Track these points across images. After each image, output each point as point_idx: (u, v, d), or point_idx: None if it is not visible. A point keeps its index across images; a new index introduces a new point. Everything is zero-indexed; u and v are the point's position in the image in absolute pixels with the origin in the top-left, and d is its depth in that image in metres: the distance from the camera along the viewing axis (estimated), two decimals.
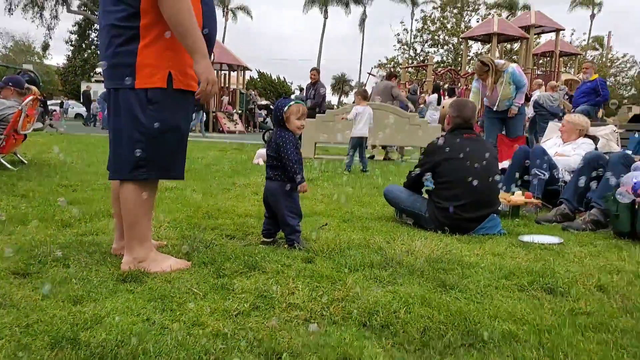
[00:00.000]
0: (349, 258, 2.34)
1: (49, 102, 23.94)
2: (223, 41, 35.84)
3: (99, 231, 2.85)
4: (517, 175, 4.03)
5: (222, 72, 21.89)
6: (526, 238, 2.95)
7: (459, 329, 1.53)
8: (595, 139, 4.38)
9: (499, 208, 3.37)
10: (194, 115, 16.03)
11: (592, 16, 41.71)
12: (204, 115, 16.44)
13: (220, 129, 18.55)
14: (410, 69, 26.60)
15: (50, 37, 35.62)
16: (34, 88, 6.23)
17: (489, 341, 1.45)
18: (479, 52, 31.50)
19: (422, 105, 14.64)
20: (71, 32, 38.71)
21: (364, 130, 6.78)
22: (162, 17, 1.95)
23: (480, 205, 3.07)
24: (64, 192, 4.22)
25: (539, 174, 3.94)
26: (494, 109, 5.98)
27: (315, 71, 9.30)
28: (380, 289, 1.94)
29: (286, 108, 2.61)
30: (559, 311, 1.73)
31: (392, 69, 13.90)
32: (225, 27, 43.36)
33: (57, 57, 50.33)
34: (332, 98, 51.61)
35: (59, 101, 31.48)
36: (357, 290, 1.85)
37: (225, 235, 2.88)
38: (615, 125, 5.32)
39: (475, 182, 3.00)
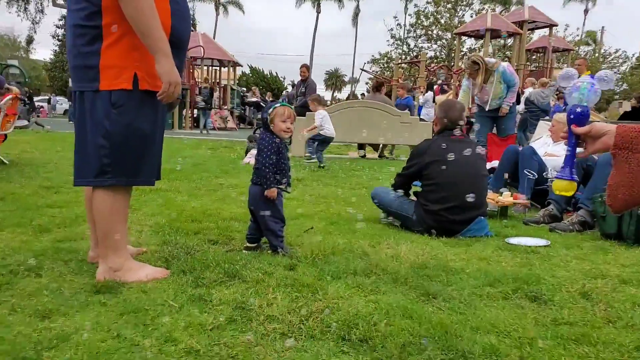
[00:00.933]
0: (332, 264, 2.28)
1: (36, 99, 23.65)
2: (214, 37, 35.50)
3: (77, 237, 2.78)
4: (506, 175, 4.00)
5: (213, 67, 21.71)
6: (513, 240, 2.92)
7: (439, 344, 1.48)
8: None
9: (488, 208, 3.34)
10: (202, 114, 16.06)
11: (586, 11, 41.65)
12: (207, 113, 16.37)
13: (211, 125, 18.41)
14: (403, 65, 26.54)
15: (35, 32, 34.71)
16: (14, 88, 6.14)
17: (469, 356, 1.41)
18: (472, 48, 31.48)
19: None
20: (57, 27, 37.25)
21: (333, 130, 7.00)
22: (124, 15, 1.87)
23: (467, 207, 3.03)
24: (45, 194, 4.13)
25: (528, 174, 3.91)
26: (486, 109, 5.94)
27: (305, 68, 9.22)
28: (362, 298, 1.89)
29: (271, 110, 2.55)
30: (542, 321, 1.69)
31: (377, 77, 13.67)
32: (216, 23, 43.05)
33: (44, 52, 49.79)
34: (325, 94, 51.50)
35: (47, 97, 31.05)
36: (337, 301, 1.80)
37: (208, 240, 2.81)
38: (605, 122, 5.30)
39: (461, 185, 2.97)
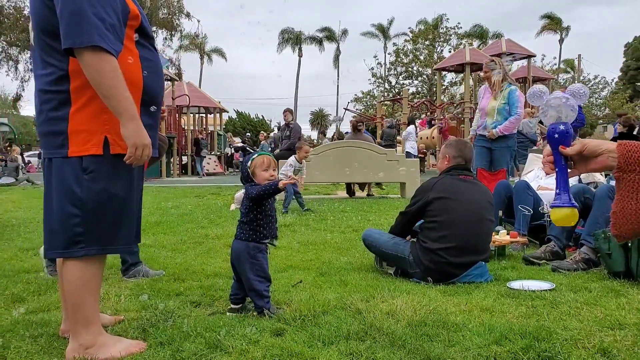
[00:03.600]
0: (324, 327, 2.09)
1: (26, 154, 23.53)
2: (200, 84, 36.10)
3: (51, 306, 2.59)
4: (500, 212, 3.88)
5: (199, 115, 21.97)
6: (515, 285, 2.75)
7: None
8: None
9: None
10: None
11: (561, 40, 43.14)
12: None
13: (198, 172, 18.48)
14: (386, 102, 26.91)
15: (23, 89, 35.09)
16: None
17: None
18: (454, 82, 32.21)
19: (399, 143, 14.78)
20: None
21: None
22: None
23: (468, 250, 2.88)
24: (24, 257, 3.93)
25: (523, 210, 3.79)
26: (487, 124, 5.40)
27: (289, 112, 9.28)
28: None
29: (249, 162, 2.42)
30: None
31: (360, 115, 13.99)
32: (201, 71, 43.82)
33: (33, 109, 50.27)
34: (311, 133, 52.03)
35: (37, 152, 31.07)
36: None
37: (190, 302, 2.62)
38: None
39: (463, 226, 2.85)
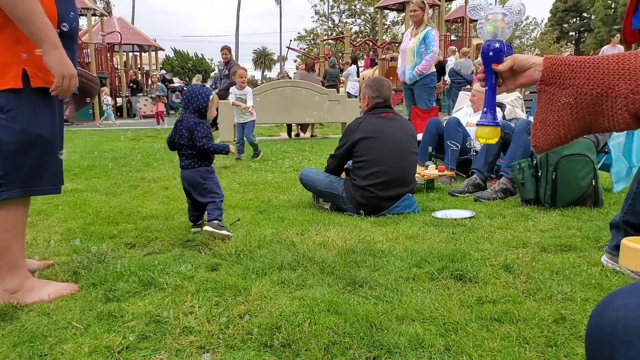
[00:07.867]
0: (258, 260, 2.17)
1: None
2: (133, 22, 33.66)
3: None
4: (430, 148, 4.04)
5: (133, 53, 20.66)
6: (439, 214, 2.95)
7: (364, 340, 1.42)
8: (502, 106, 4.49)
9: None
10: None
11: None
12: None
13: (135, 113, 17.66)
14: (329, 41, 26.45)
15: None
16: None
17: (395, 351, 1.36)
18: (396, 21, 32.04)
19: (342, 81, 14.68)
20: None
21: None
22: None
23: (395, 184, 3.04)
24: None
25: (452, 145, 3.97)
26: (400, 75, 5.81)
27: (227, 50, 8.83)
28: (287, 295, 1.80)
29: (211, 97, 2.65)
30: (467, 302, 1.67)
31: (308, 57, 13.69)
32: (133, 7, 40.84)
33: None
34: (255, 73, 50.56)
35: None
36: (260, 302, 1.70)
37: (125, 244, 2.61)
38: (520, 92, 5.47)
39: (389, 162, 2.98)
